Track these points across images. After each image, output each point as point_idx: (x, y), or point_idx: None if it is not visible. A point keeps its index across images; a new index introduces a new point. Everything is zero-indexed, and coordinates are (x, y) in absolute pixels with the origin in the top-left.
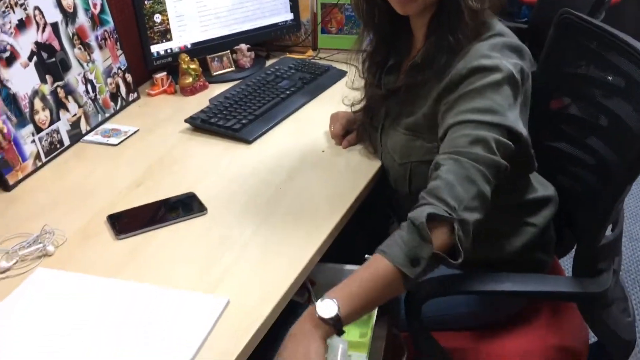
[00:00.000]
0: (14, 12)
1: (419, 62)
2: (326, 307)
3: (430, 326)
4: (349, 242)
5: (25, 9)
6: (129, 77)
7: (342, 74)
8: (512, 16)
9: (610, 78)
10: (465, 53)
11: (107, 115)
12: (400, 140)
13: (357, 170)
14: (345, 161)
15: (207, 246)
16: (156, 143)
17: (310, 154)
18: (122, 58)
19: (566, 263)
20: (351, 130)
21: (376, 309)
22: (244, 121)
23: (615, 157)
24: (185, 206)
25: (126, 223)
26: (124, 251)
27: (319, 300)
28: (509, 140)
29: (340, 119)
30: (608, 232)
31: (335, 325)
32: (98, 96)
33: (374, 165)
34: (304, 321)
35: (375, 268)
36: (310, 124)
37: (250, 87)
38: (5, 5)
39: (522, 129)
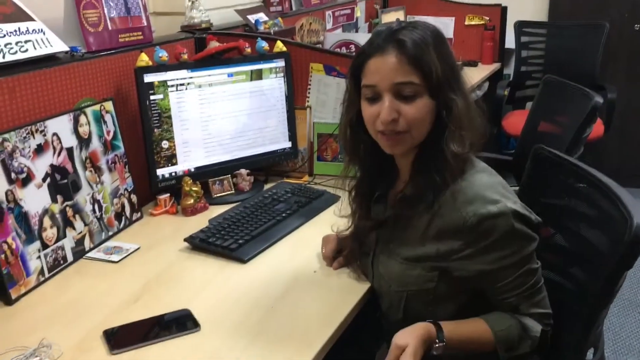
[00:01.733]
0: (34, 137)
1: (408, 195)
2: (437, 348)
3: None
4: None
5: (44, 135)
6: (134, 198)
7: (336, 198)
8: (501, 148)
9: (586, 209)
10: (459, 191)
11: (110, 233)
12: (397, 269)
13: (347, 290)
14: (335, 282)
15: None
16: (155, 261)
17: (302, 274)
18: (129, 180)
19: None
20: (342, 252)
21: None
22: (240, 241)
23: (593, 282)
24: (180, 323)
25: (121, 338)
26: None
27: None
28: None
29: (332, 241)
30: (590, 356)
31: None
32: (104, 215)
33: (364, 286)
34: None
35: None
36: (304, 246)
37: (249, 209)
38: (27, 131)
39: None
